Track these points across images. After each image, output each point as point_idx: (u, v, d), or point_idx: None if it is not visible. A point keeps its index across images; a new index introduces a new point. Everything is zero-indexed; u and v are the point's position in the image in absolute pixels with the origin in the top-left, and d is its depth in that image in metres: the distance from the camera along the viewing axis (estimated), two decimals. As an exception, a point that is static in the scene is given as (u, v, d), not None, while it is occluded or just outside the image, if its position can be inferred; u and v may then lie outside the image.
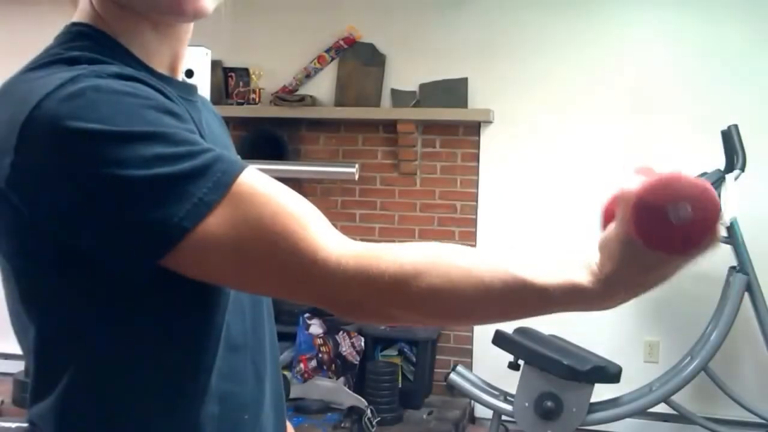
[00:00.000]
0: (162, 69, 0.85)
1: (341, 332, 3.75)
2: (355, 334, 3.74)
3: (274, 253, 0.70)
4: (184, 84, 0.88)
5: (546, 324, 3.42)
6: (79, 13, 0.83)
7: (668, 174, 0.66)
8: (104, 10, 0.81)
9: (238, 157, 0.81)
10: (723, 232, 3.26)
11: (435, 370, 3.97)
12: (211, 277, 0.73)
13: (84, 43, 0.78)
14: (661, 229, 0.65)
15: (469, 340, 4.02)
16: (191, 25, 0.87)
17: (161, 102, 0.73)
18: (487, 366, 3.75)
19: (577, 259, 0.72)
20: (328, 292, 0.72)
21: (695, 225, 0.65)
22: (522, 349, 3.15)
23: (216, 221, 0.69)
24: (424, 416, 3.66)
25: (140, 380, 0.78)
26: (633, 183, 0.67)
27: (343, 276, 0.70)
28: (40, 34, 0.90)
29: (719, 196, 3.16)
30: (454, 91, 3.94)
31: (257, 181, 0.72)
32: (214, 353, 0.81)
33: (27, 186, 0.69)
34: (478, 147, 3.99)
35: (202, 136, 0.79)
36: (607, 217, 0.71)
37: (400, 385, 3.69)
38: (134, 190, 0.67)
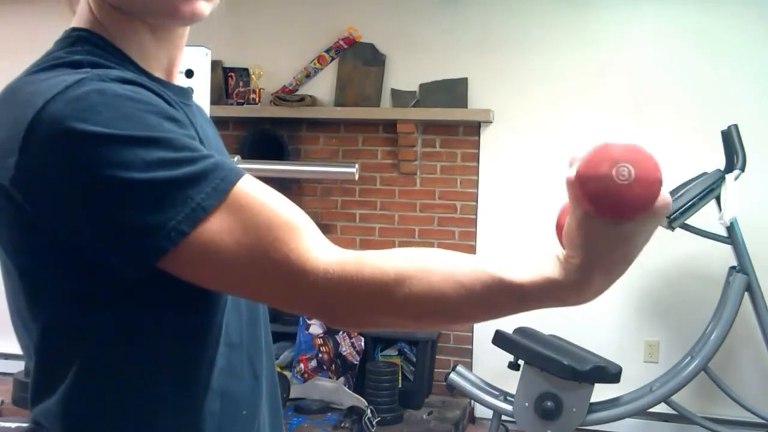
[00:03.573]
0: (159, 73, 0.87)
1: (341, 332, 3.75)
2: (355, 334, 3.74)
3: (266, 262, 0.72)
4: (180, 88, 0.90)
5: (546, 324, 3.43)
6: (78, 19, 0.85)
7: (597, 145, 0.69)
8: (103, 15, 0.83)
9: (233, 161, 0.82)
10: (724, 231, 3.26)
11: (435, 370, 3.97)
12: (204, 281, 0.74)
13: (85, 48, 0.80)
14: (608, 195, 0.66)
15: (469, 340, 4.02)
16: (187, 29, 0.89)
17: (163, 107, 0.75)
18: (487, 366, 3.75)
19: (547, 254, 0.73)
20: (315, 302, 0.73)
21: (640, 182, 0.66)
22: (522, 349, 3.15)
23: (212, 227, 0.70)
24: (424, 416, 3.66)
25: (144, 377, 0.80)
26: (571, 170, 0.69)
27: (328, 285, 0.71)
28: (36, 32, 0.91)
29: (719, 196, 3.16)
30: (454, 91, 3.94)
31: (255, 189, 0.74)
32: (214, 350, 0.83)
33: (31, 185, 0.71)
34: (478, 147, 3.99)
35: (201, 142, 0.80)
36: (560, 228, 0.74)
37: (400, 385, 3.69)
38: (135, 192, 0.69)
